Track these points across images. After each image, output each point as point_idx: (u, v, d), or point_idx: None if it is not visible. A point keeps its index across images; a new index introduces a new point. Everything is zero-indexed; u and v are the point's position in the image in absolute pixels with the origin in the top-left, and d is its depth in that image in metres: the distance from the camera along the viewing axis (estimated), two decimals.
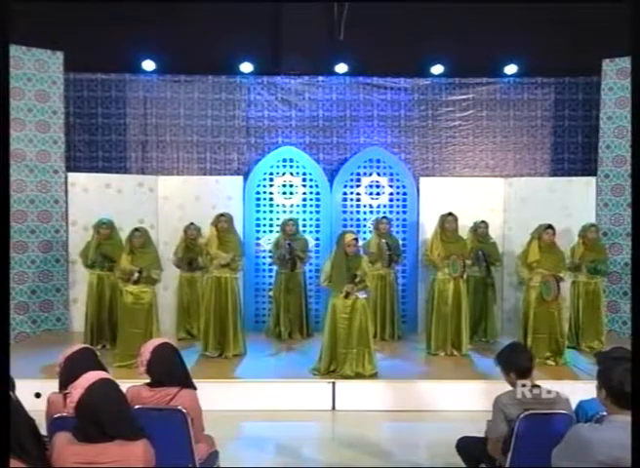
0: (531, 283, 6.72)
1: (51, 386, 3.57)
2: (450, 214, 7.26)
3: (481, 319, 7.84)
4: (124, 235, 7.15)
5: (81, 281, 7.96)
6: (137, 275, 6.43)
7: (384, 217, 8.14)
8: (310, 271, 8.31)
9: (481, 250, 7.68)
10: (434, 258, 7.15)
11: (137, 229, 6.72)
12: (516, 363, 3.66)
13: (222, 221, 7.00)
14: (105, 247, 7.33)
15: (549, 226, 6.77)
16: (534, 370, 3.70)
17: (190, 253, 7.80)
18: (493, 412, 3.61)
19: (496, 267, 7.92)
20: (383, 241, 7.80)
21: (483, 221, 7.82)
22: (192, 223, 7.96)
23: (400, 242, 8.35)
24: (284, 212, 8.64)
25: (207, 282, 7.06)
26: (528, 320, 6.72)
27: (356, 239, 6.26)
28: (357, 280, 6.11)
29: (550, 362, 6.63)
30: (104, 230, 7.34)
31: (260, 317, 8.62)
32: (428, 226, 8.20)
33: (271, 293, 8.41)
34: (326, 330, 6.29)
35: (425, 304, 7.78)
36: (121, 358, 6.42)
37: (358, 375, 6.12)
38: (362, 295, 6.19)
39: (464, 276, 7.13)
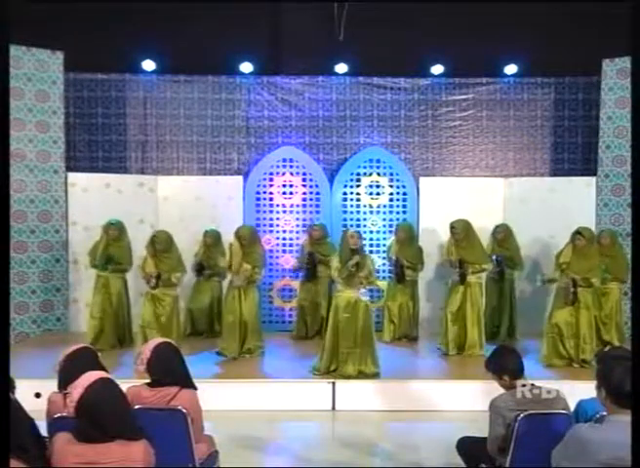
0: (559, 285, 6.66)
1: (51, 386, 3.57)
2: (452, 226, 7.19)
3: (499, 321, 7.80)
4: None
5: (81, 281, 7.96)
6: (154, 281, 6.57)
7: (406, 225, 8.03)
8: None
9: (498, 255, 7.60)
10: (450, 261, 7.16)
11: (158, 232, 6.88)
12: (507, 365, 3.67)
13: (244, 233, 6.81)
14: (113, 248, 7.30)
15: (578, 232, 6.58)
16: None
17: (207, 259, 7.84)
18: (489, 416, 3.61)
19: (517, 270, 7.84)
20: (394, 258, 7.71)
21: (500, 226, 7.78)
22: (211, 229, 7.93)
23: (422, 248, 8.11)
24: (284, 212, 8.64)
25: (228, 289, 7.01)
26: (552, 322, 6.66)
27: (358, 233, 6.26)
28: (362, 275, 6.08)
29: (585, 364, 6.55)
30: (113, 231, 7.30)
31: (260, 317, 8.59)
32: (428, 226, 8.21)
33: (271, 293, 8.49)
34: (328, 330, 6.31)
35: (441, 306, 7.74)
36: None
37: (360, 373, 6.12)
38: (364, 298, 6.19)
39: (466, 281, 7.11)
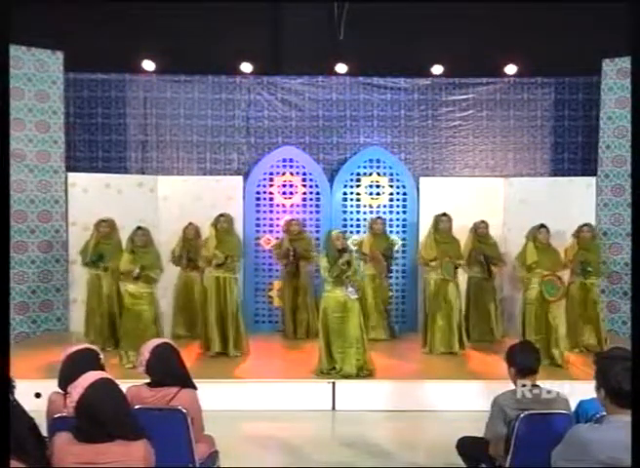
0: (530, 284, 6.72)
1: (51, 386, 3.56)
2: (444, 214, 7.32)
3: (481, 319, 7.82)
4: (124, 235, 7.15)
5: (81, 281, 7.95)
6: (137, 272, 6.44)
7: (379, 217, 8.17)
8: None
9: (482, 252, 7.66)
10: (427, 259, 7.18)
11: (139, 228, 6.73)
12: (517, 361, 3.67)
13: (222, 222, 7.09)
14: (104, 246, 7.34)
15: (542, 226, 6.78)
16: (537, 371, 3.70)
17: (189, 253, 7.81)
18: (491, 413, 3.62)
19: (498, 267, 7.89)
20: (380, 254, 7.73)
21: (483, 221, 7.81)
22: (191, 223, 7.99)
23: (396, 241, 8.43)
24: (284, 212, 8.64)
25: (207, 282, 7.09)
26: (526, 321, 6.72)
27: (343, 233, 6.39)
28: (350, 274, 6.14)
29: (552, 364, 6.59)
30: (104, 228, 7.36)
31: (260, 317, 8.62)
32: (428, 226, 8.21)
33: (271, 293, 8.51)
34: (320, 330, 6.34)
35: (421, 304, 7.81)
36: (126, 359, 6.46)
37: (360, 370, 6.14)
38: (353, 296, 6.21)
39: (457, 277, 7.16)
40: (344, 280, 6.14)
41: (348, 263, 6.09)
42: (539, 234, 6.73)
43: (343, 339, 6.18)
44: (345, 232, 6.62)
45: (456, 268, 7.09)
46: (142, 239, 6.63)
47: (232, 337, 6.98)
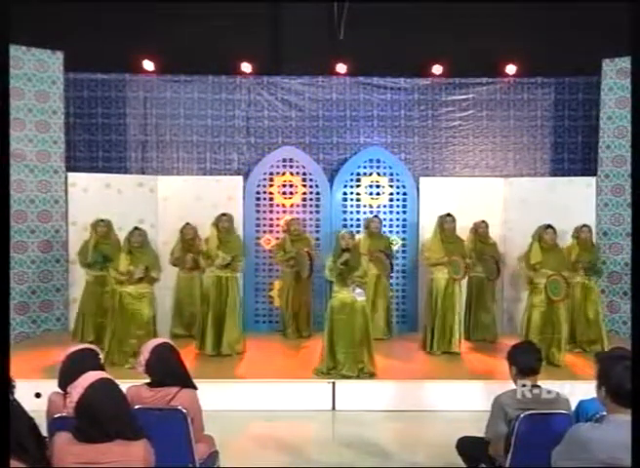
0: (537, 285, 6.71)
1: (51, 386, 3.57)
2: (448, 214, 7.31)
3: (482, 319, 7.82)
4: (124, 235, 7.15)
5: (81, 281, 7.95)
6: (141, 272, 6.42)
7: (375, 216, 8.17)
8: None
9: (483, 252, 7.66)
10: (433, 259, 7.18)
11: (137, 228, 6.74)
12: (518, 361, 3.68)
13: (224, 221, 7.08)
14: (103, 246, 7.34)
15: (549, 226, 6.77)
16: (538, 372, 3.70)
17: (189, 253, 7.81)
18: (492, 412, 3.62)
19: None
20: (382, 254, 7.73)
21: (483, 221, 7.82)
22: (188, 223, 8.00)
23: (395, 241, 8.45)
24: (284, 212, 8.64)
25: (207, 281, 7.09)
26: (531, 321, 6.70)
27: (351, 233, 6.37)
28: (357, 275, 6.12)
29: (555, 362, 6.60)
30: (102, 228, 7.37)
31: (260, 317, 8.62)
32: (428, 226, 8.20)
33: (272, 293, 8.49)
34: (325, 330, 6.32)
35: (424, 304, 7.80)
36: (119, 360, 6.46)
37: (361, 371, 6.13)
38: (360, 298, 6.20)
39: (466, 277, 7.16)
40: (347, 280, 6.12)
41: (346, 263, 6.07)
42: (545, 234, 6.72)
43: (347, 340, 6.17)
44: (352, 233, 6.51)
45: (466, 267, 7.09)
46: (139, 239, 6.63)
47: (228, 337, 6.98)
